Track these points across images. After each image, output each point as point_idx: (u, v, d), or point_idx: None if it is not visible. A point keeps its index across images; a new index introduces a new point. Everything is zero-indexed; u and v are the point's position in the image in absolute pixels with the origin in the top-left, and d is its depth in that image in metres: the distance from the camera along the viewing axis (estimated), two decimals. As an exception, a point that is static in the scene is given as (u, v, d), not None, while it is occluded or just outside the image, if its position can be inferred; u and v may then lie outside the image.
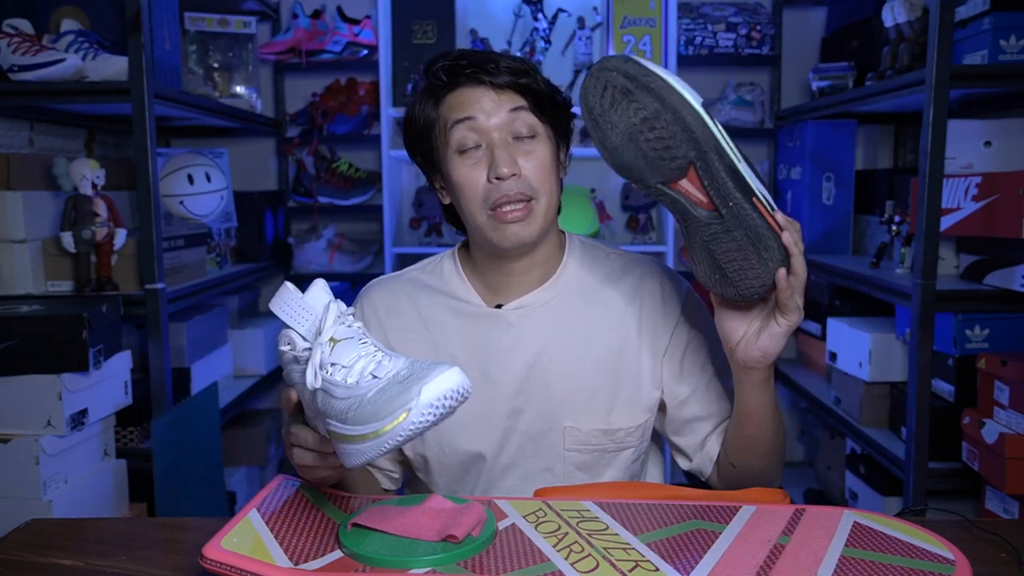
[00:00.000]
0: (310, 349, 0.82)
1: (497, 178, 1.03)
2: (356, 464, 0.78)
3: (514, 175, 1.03)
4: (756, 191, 0.89)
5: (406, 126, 1.13)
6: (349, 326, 0.83)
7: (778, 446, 1.09)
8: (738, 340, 0.98)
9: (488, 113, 1.05)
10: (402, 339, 1.14)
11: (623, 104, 0.88)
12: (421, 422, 0.74)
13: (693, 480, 1.21)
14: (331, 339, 0.81)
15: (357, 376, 0.79)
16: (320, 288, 0.84)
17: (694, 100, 0.88)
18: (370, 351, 0.81)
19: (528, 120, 1.06)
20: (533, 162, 1.05)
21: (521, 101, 1.06)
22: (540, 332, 1.11)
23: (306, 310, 0.83)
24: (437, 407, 0.75)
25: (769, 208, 0.90)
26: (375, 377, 0.78)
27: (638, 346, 1.12)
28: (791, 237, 0.89)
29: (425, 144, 1.11)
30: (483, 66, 1.05)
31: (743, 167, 0.89)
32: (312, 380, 0.80)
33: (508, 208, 1.04)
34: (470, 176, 1.05)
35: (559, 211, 1.15)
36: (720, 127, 0.89)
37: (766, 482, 1.08)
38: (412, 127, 1.12)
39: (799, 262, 0.90)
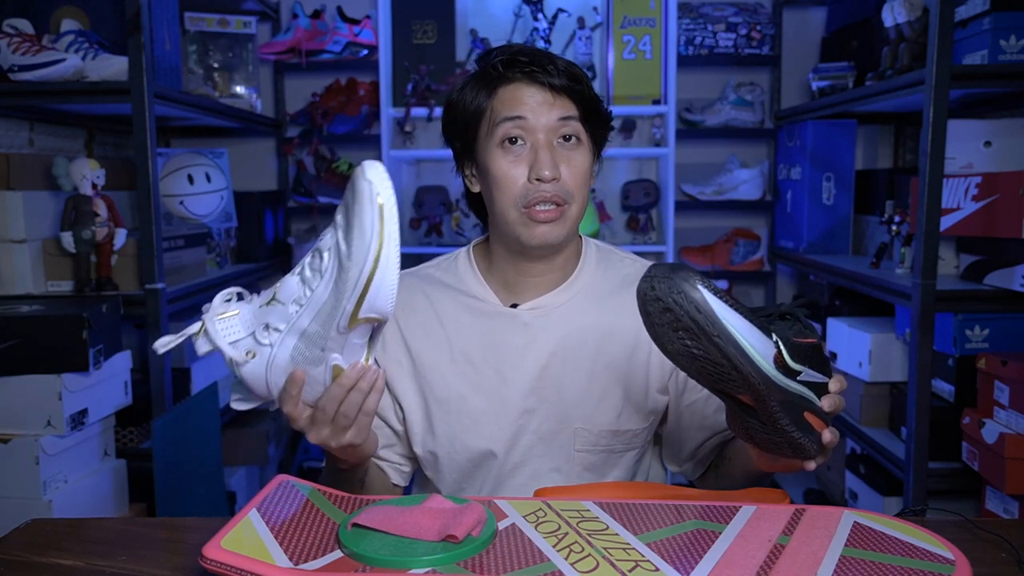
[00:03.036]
0: (255, 344, 0.85)
1: (538, 179, 1.04)
2: (389, 301, 0.81)
3: (554, 179, 1.04)
4: (811, 404, 0.86)
5: (449, 110, 1.13)
6: (229, 315, 0.85)
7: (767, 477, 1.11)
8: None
9: (538, 114, 1.05)
10: (416, 335, 1.14)
11: (683, 335, 0.80)
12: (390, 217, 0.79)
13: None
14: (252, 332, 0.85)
15: (303, 302, 0.83)
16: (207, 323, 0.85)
17: (765, 362, 0.81)
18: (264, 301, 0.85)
19: (575, 128, 1.07)
20: (574, 168, 1.06)
21: (572, 110, 1.07)
22: (554, 334, 1.11)
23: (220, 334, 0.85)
24: (385, 193, 0.78)
25: (819, 410, 0.87)
26: (311, 288, 0.82)
27: (648, 352, 1.12)
28: (831, 436, 0.87)
29: (468, 131, 1.11)
30: (542, 65, 1.05)
31: (800, 389, 0.85)
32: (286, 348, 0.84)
33: (541, 208, 1.05)
34: (510, 172, 1.06)
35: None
36: (788, 361, 0.83)
37: None
38: (457, 112, 1.11)
39: (833, 444, 0.89)
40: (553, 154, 1.05)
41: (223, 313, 0.85)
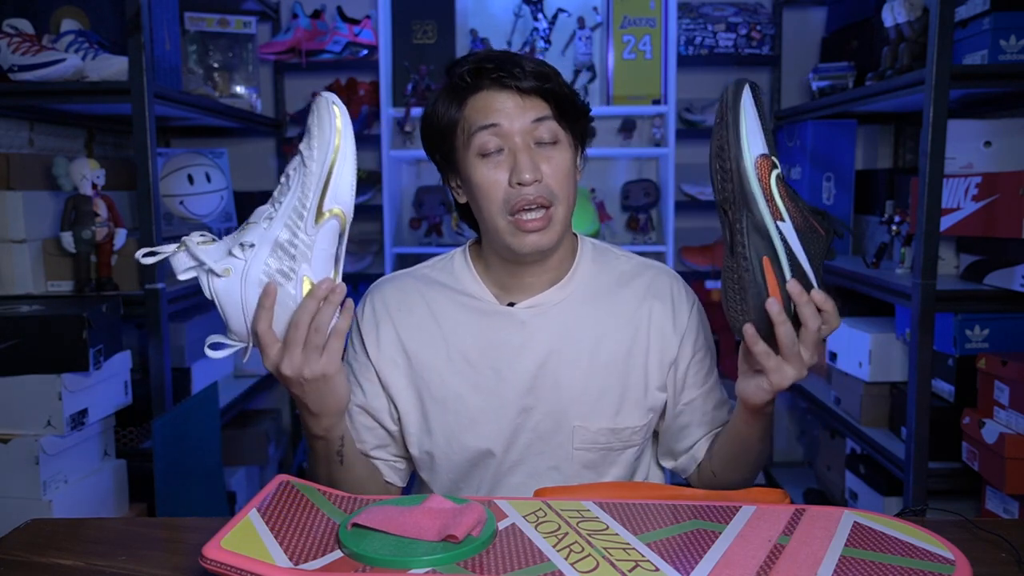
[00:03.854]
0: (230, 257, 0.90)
1: (519, 183, 1.03)
2: (350, 189, 0.89)
3: (536, 181, 1.04)
4: (773, 251, 0.91)
5: (425, 124, 1.13)
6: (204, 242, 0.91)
7: (759, 466, 1.13)
8: (739, 371, 1.00)
9: (512, 118, 1.05)
10: (413, 336, 1.14)
11: (716, 125, 0.93)
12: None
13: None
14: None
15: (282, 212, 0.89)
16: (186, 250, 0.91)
17: (749, 152, 0.90)
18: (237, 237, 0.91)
19: (551, 127, 1.06)
20: (554, 168, 1.06)
21: (545, 110, 1.06)
22: (551, 332, 1.11)
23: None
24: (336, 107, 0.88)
25: (777, 266, 0.91)
26: (278, 203, 0.90)
27: (646, 349, 1.13)
28: (776, 306, 0.89)
29: (445, 144, 1.10)
30: (508, 70, 1.04)
31: (772, 226, 0.91)
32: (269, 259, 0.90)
33: (528, 216, 1.04)
34: (491, 179, 1.05)
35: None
36: (772, 175, 0.91)
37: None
38: (432, 126, 1.11)
39: (783, 332, 0.90)
40: (532, 156, 1.04)
41: (201, 241, 0.90)
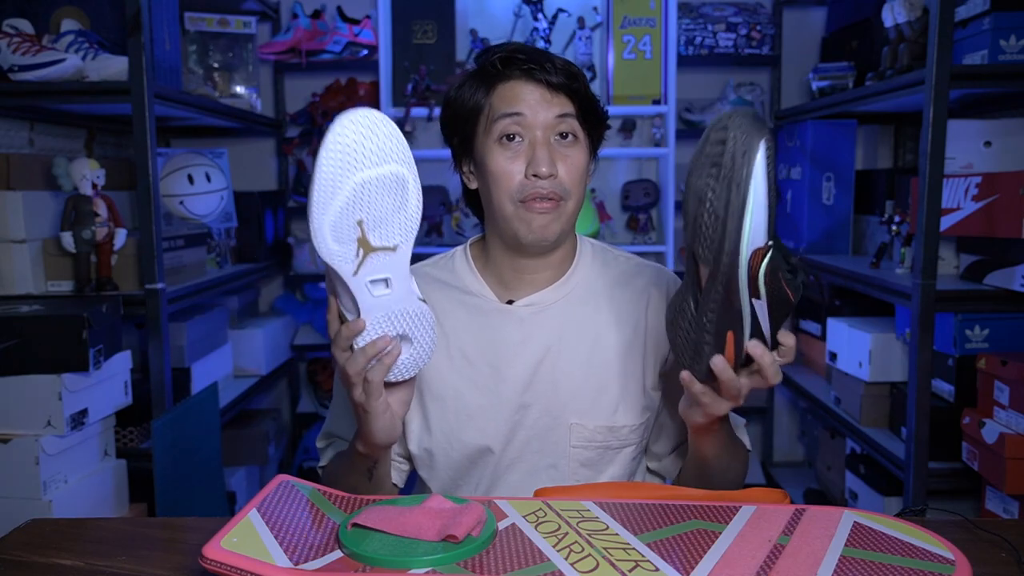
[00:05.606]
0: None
1: (534, 175, 1.05)
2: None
3: (551, 175, 1.05)
4: (739, 327, 0.87)
5: (447, 107, 1.14)
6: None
7: (736, 477, 1.11)
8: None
9: (536, 110, 1.06)
10: None
11: (713, 171, 0.82)
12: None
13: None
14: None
15: None
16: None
17: (746, 244, 0.82)
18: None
19: (572, 125, 1.08)
20: (570, 167, 1.07)
21: (569, 107, 1.08)
22: (549, 330, 1.12)
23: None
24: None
25: (740, 341, 0.88)
26: None
27: (643, 349, 1.13)
28: (722, 363, 0.88)
29: (467, 128, 1.11)
30: (539, 63, 1.07)
31: (746, 304, 0.86)
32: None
33: (538, 204, 1.06)
34: (507, 167, 1.06)
35: None
36: (761, 268, 0.83)
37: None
38: (455, 109, 1.12)
39: (725, 380, 0.89)
40: (550, 151, 1.06)
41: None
